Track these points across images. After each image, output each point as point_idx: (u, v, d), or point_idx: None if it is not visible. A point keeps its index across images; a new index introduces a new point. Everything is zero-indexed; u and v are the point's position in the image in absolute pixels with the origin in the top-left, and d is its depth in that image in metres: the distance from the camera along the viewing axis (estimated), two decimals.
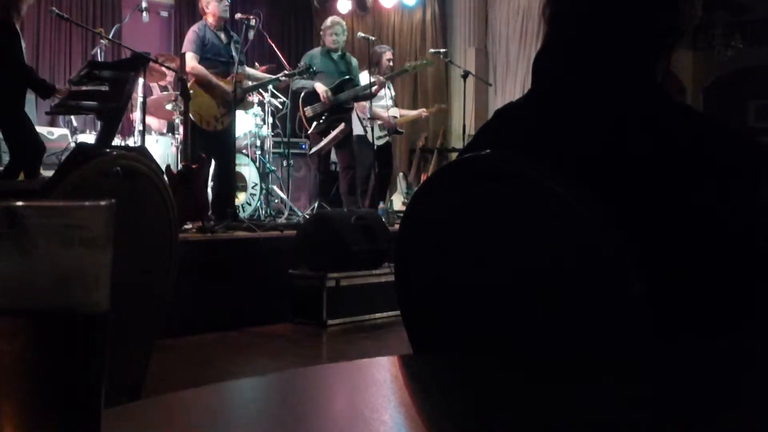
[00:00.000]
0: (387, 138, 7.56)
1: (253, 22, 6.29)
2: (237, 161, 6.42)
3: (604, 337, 0.97)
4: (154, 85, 7.30)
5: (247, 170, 6.81)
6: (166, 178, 1.80)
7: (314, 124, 6.84)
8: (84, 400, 0.44)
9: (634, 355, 0.85)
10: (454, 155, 8.80)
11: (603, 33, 1.13)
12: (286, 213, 7.10)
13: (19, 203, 0.42)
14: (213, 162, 6.13)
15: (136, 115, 6.53)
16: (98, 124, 6.18)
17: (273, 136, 7.35)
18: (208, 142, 6.03)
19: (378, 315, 5.18)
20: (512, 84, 9.47)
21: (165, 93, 7.06)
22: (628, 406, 0.65)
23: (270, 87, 6.96)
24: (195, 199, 5.46)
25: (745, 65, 10.37)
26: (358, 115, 7.22)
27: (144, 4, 7.08)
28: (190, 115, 5.82)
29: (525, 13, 9.38)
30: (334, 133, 6.80)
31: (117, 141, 6.32)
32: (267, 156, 7.14)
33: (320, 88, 6.77)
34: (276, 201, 7.25)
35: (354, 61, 7.16)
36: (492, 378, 0.75)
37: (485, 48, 9.93)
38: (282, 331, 4.96)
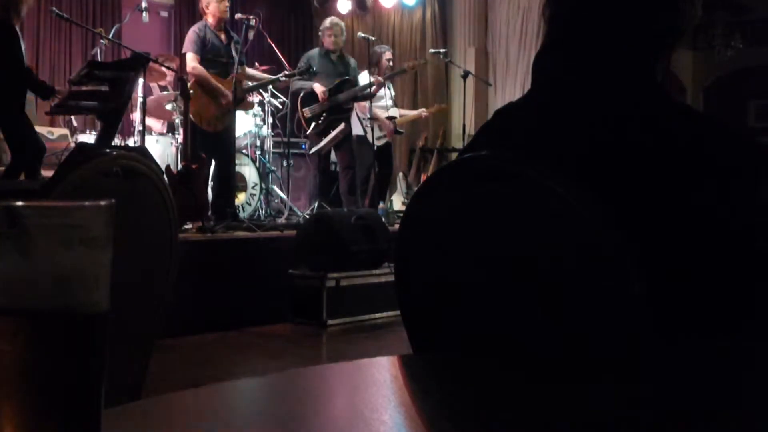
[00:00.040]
0: (387, 138, 7.56)
1: (253, 22, 6.29)
2: (237, 161, 6.42)
3: (604, 337, 0.97)
4: (154, 85, 7.30)
5: (247, 170, 6.81)
6: (166, 178, 1.80)
7: (313, 124, 6.84)
8: (84, 400, 0.44)
9: (634, 355, 0.85)
10: (454, 155, 8.80)
11: (603, 33, 1.13)
12: (286, 213, 7.10)
13: (19, 203, 0.42)
14: (213, 162, 6.14)
15: (136, 116, 6.54)
16: (98, 124, 6.18)
17: (273, 136, 7.35)
18: (208, 142, 6.03)
19: (378, 315, 5.18)
20: (512, 84, 9.47)
21: (165, 93, 7.06)
22: (628, 406, 0.65)
23: (270, 87, 6.96)
24: (195, 199, 5.46)
25: (745, 65, 10.37)
26: (358, 115, 7.23)
27: (144, 4, 7.08)
28: (190, 116, 5.83)
29: (525, 13, 9.38)
30: (334, 133, 6.80)
31: (117, 141, 6.32)
32: (267, 156, 7.14)
33: (319, 88, 6.77)
34: (276, 201, 7.25)
35: (352, 62, 7.16)
36: (492, 378, 0.75)
37: (485, 48, 9.93)
38: (282, 331, 4.96)
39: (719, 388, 0.70)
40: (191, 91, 5.84)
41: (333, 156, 7.27)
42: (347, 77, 6.95)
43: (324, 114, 6.83)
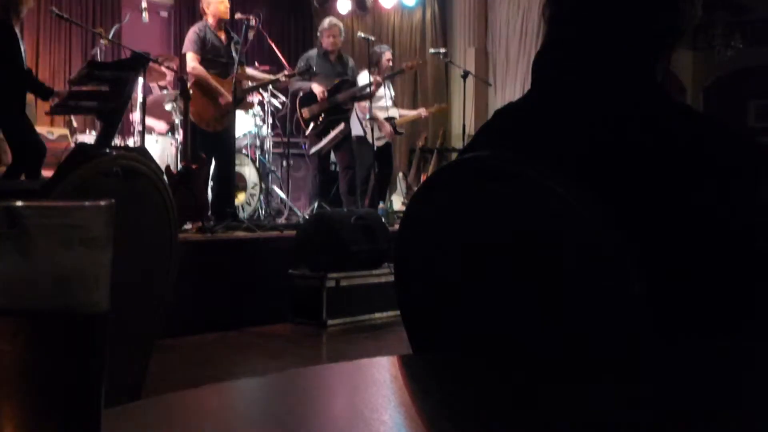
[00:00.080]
0: (387, 138, 7.56)
1: (253, 22, 6.29)
2: (237, 161, 6.42)
3: (604, 337, 0.97)
4: (154, 85, 7.30)
5: (247, 170, 6.81)
6: (166, 178, 1.80)
7: (311, 125, 6.84)
8: (84, 400, 0.44)
9: (634, 355, 0.85)
10: (454, 155, 8.80)
11: (603, 33, 1.13)
12: (286, 213, 7.10)
13: (19, 203, 0.42)
14: (213, 162, 6.14)
15: (136, 116, 6.54)
16: (98, 124, 6.18)
17: (273, 136, 7.35)
18: (208, 142, 6.03)
19: (378, 315, 5.18)
20: (512, 84, 9.47)
21: (164, 92, 7.06)
22: (628, 406, 0.65)
23: (270, 87, 6.96)
24: (195, 199, 5.46)
25: (745, 65, 10.37)
26: (358, 115, 7.23)
27: (144, 4, 7.08)
28: (190, 116, 5.83)
29: (525, 13, 9.38)
30: (333, 134, 6.80)
31: (117, 141, 6.32)
32: (267, 156, 7.14)
33: (317, 89, 6.77)
34: (276, 201, 7.26)
35: (351, 62, 7.16)
36: (492, 378, 0.75)
37: (485, 48, 9.93)
38: (282, 331, 4.96)
39: (719, 388, 0.70)
40: (191, 92, 5.84)
41: (333, 156, 7.27)
42: (346, 78, 6.95)
43: (322, 114, 6.83)
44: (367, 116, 6.99)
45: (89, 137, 6.89)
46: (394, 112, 7.62)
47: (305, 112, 6.85)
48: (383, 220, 5.97)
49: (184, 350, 4.26)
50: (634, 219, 1.00)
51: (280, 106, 7.33)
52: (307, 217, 6.33)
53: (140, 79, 5.83)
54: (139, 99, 6.00)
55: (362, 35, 7.31)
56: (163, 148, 6.65)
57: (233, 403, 0.68)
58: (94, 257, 0.43)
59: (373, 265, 5.25)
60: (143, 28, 7.52)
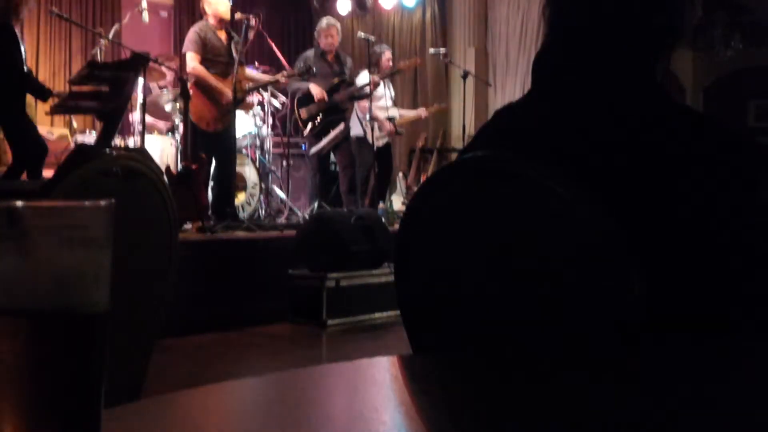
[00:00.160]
0: (386, 138, 7.56)
1: (253, 22, 6.29)
2: (237, 161, 6.43)
3: (604, 337, 0.97)
4: (153, 85, 7.30)
5: (247, 170, 6.81)
6: (165, 178, 1.80)
7: (309, 125, 6.84)
8: (84, 400, 0.44)
9: (634, 355, 0.85)
10: (454, 155, 8.80)
11: (603, 33, 1.13)
12: (286, 213, 7.11)
13: (19, 203, 0.42)
14: (213, 162, 6.14)
15: (136, 116, 6.54)
16: (98, 124, 6.19)
17: (273, 136, 7.36)
18: (208, 142, 6.03)
19: (378, 315, 5.18)
20: (512, 84, 9.47)
21: (164, 92, 7.06)
22: (628, 406, 0.65)
23: (269, 87, 6.96)
24: (195, 199, 5.46)
25: (745, 65, 10.37)
26: (358, 115, 7.23)
27: (144, 4, 7.08)
28: (190, 116, 5.83)
29: (525, 13, 9.38)
30: (333, 134, 6.80)
31: (117, 141, 6.32)
32: (267, 156, 7.14)
33: (315, 89, 6.77)
34: (276, 201, 7.26)
35: (349, 62, 7.16)
36: (492, 378, 0.75)
37: (485, 48, 9.93)
38: (282, 331, 4.96)
39: (719, 388, 0.70)
40: (191, 92, 5.84)
41: (333, 156, 7.28)
42: (343, 78, 6.95)
43: (320, 115, 6.83)
44: (367, 116, 6.99)
45: (89, 137, 6.89)
46: (394, 112, 7.62)
47: (303, 113, 6.85)
48: (383, 220, 5.97)
49: (184, 350, 4.26)
50: (633, 219, 1.00)
51: (280, 107, 7.34)
52: (307, 217, 6.33)
53: (140, 79, 5.83)
54: (139, 99, 6.00)
55: (362, 35, 7.31)
56: (163, 148, 6.65)
57: (233, 403, 0.68)
58: (94, 257, 0.43)
59: (373, 265, 5.25)
60: (143, 28, 7.52)
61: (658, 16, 1.12)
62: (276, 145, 7.52)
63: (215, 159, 6.12)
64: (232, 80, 6.04)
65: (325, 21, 7.14)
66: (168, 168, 5.88)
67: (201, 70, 6.07)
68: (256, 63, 7.55)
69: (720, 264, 1.00)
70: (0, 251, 0.41)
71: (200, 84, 6.07)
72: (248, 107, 6.87)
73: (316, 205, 6.90)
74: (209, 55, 6.15)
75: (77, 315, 0.43)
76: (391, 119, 7.50)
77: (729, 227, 1.01)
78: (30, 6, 5.41)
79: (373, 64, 7.12)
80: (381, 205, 7.20)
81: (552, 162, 1.03)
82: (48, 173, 5.28)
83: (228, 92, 6.02)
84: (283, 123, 7.40)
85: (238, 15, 6.39)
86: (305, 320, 5.06)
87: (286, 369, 0.77)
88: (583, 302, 0.99)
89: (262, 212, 6.80)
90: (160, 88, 7.36)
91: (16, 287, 0.42)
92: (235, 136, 6.27)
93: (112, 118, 5.44)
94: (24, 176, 5.23)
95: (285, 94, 7.21)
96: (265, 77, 6.87)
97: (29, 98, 5.48)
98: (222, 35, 6.25)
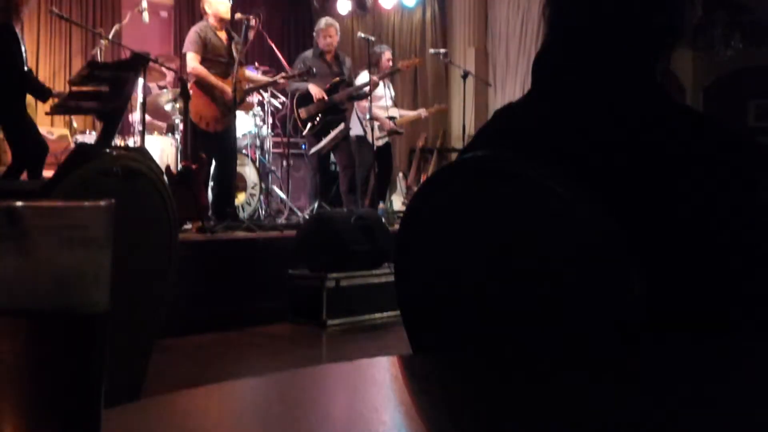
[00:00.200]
0: (387, 138, 7.56)
1: (253, 23, 6.29)
2: (237, 161, 6.42)
3: (604, 337, 0.97)
4: (153, 85, 7.30)
5: (247, 170, 6.81)
6: (165, 178, 1.80)
7: (309, 125, 6.84)
8: (84, 400, 0.44)
9: (634, 355, 0.85)
10: (454, 155, 8.80)
11: (603, 33, 1.13)
12: (286, 213, 7.11)
13: (19, 203, 0.42)
14: (213, 162, 6.14)
15: (136, 116, 6.54)
16: (98, 124, 6.19)
17: (273, 136, 7.36)
18: (208, 142, 6.03)
19: (378, 315, 5.18)
20: (512, 84, 9.46)
21: (164, 92, 7.06)
22: (628, 406, 0.65)
23: (269, 87, 6.96)
24: (195, 199, 5.46)
25: (745, 65, 10.37)
26: (358, 115, 7.23)
27: (144, 5, 7.08)
28: (190, 116, 5.83)
29: (525, 13, 9.38)
30: (333, 134, 6.80)
31: (117, 141, 6.32)
32: (267, 156, 7.14)
33: (314, 89, 6.77)
34: (276, 201, 7.26)
35: (348, 62, 7.16)
36: (492, 378, 0.75)
37: (485, 48, 9.93)
38: (282, 331, 4.96)
39: (719, 388, 0.70)
40: (191, 92, 5.84)
41: (333, 156, 7.28)
42: (342, 77, 6.95)
43: (319, 115, 6.83)
44: (367, 116, 6.99)
45: (89, 137, 6.90)
46: (394, 112, 7.62)
47: (302, 113, 6.85)
48: (383, 220, 5.97)
49: (184, 350, 4.26)
50: (633, 219, 1.00)
51: (280, 106, 7.34)
52: (307, 217, 6.33)
53: (140, 79, 5.83)
54: (139, 99, 6.00)
55: (362, 35, 7.31)
56: (163, 148, 6.65)
57: (233, 403, 0.68)
58: (94, 257, 0.43)
59: (373, 265, 5.25)
60: (143, 28, 7.52)
61: (658, 16, 1.12)
62: (276, 145, 7.53)
63: (215, 159, 6.11)
64: (232, 80, 6.04)
65: (323, 21, 7.13)
66: (168, 168, 5.88)
67: (201, 70, 6.07)
68: (256, 63, 7.55)
69: (720, 264, 1.00)
70: (0, 251, 0.41)
71: (201, 84, 6.07)
72: (248, 107, 6.88)
73: (316, 205, 6.90)
74: (210, 55, 6.15)
75: (77, 315, 0.43)
76: (391, 119, 7.51)
77: (729, 227, 1.01)
78: (30, 5, 5.41)
79: (373, 64, 7.12)
80: (381, 205, 7.20)
81: (552, 162, 1.03)
82: (48, 173, 5.29)
83: (229, 89, 6.02)
84: (283, 123, 7.40)
85: (238, 15, 6.39)
86: (305, 320, 5.06)
87: (286, 369, 0.77)
88: (583, 302, 0.99)
89: (262, 212, 6.80)
90: (160, 88, 7.36)
91: (16, 287, 0.42)
92: (235, 136, 6.27)
93: (112, 118, 5.44)
94: (24, 176, 5.23)
95: (285, 95, 7.21)
96: (264, 78, 6.87)
97: (29, 98, 5.48)
98: (222, 35, 6.25)
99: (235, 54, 6.18)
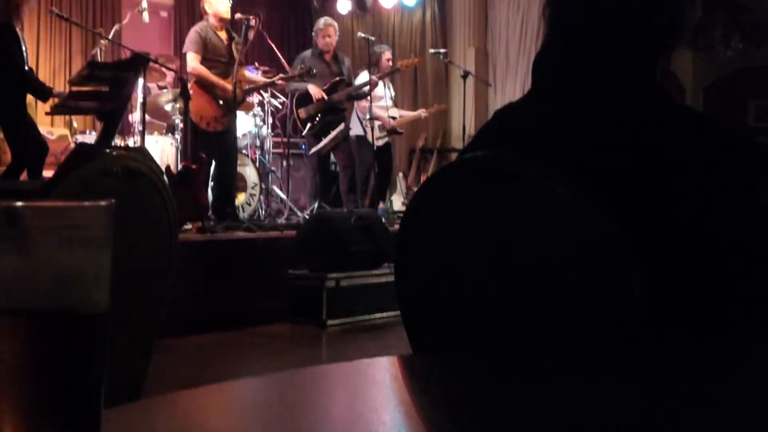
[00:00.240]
0: (387, 138, 7.56)
1: (252, 23, 6.29)
2: (237, 161, 6.42)
3: (604, 337, 0.97)
4: (153, 85, 7.30)
5: (247, 170, 6.81)
6: (166, 178, 1.80)
7: (308, 125, 6.84)
8: (84, 400, 0.44)
9: (634, 355, 0.85)
10: (454, 155, 8.79)
11: (603, 33, 1.13)
12: (286, 213, 7.11)
13: (19, 203, 0.42)
14: (213, 162, 6.14)
15: (136, 116, 6.54)
16: (98, 124, 6.19)
17: (273, 136, 7.36)
18: (208, 142, 6.03)
19: (378, 315, 5.18)
20: (512, 84, 9.46)
21: (164, 92, 7.06)
22: (628, 406, 0.65)
23: (269, 87, 6.97)
24: (195, 199, 5.46)
25: (745, 65, 10.36)
26: (358, 115, 7.23)
27: (144, 5, 7.08)
28: (191, 116, 5.83)
29: (525, 13, 9.37)
30: (334, 134, 6.80)
31: (117, 141, 6.32)
32: (267, 156, 7.14)
33: (313, 89, 6.77)
34: (276, 201, 7.26)
35: (347, 61, 7.16)
36: (492, 378, 0.75)
37: (485, 48, 9.93)
38: (282, 331, 4.96)
39: (719, 388, 0.70)
40: (191, 92, 5.84)
41: (332, 156, 7.28)
42: (342, 77, 6.94)
43: (319, 115, 6.83)
44: (367, 116, 6.99)
45: (89, 137, 6.90)
46: (395, 113, 7.62)
47: (302, 113, 6.85)
48: (383, 220, 5.97)
49: (184, 350, 4.26)
50: (633, 219, 1.00)
51: (280, 106, 7.34)
52: (307, 217, 6.33)
53: (140, 79, 5.83)
54: (139, 99, 6.00)
55: (362, 35, 7.31)
56: (163, 148, 6.65)
57: (233, 403, 0.68)
58: (94, 257, 0.43)
59: (373, 265, 5.25)
60: (143, 28, 7.53)
61: (658, 16, 1.12)
62: (276, 145, 7.52)
63: (215, 159, 6.11)
64: (232, 81, 6.04)
65: (322, 21, 7.13)
66: (168, 168, 5.88)
67: (202, 70, 6.07)
68: (256, 63, 7.55)
69: (720, 264, 1.00)
70: (0, 251, 0.41)
71: (201, 83, 6.07)
72: (248, 107, 6.88)
73: (316, 205, 6.90)
74: (210, 55, 6.15)
75: (77, 315, 0.43)
76: (392, 119, 7.51)
77: (729, 227, 1.01)
78: (31, 5, 5.41)
79: (373, 64, 7.12)
80: (381, 205, 7.20)
81: (552, 162, 1.03)
82: (48, 173, 5.28)
83: (230, 87, 6.02)
84: (283, 123, 7.40)
85: (238, 15, 6.40)
86: (305, 320, 5.06)
87: (286, 369, 0.77)
88: (583, 302, 0.99)
89: (262, 212, 6.80)
90: (160, 88, 7.36)
91: (16, 287, 0.42)
92: (235, 136, 6.27)
93: (112, 118, 5.44)
94: (24, 176, 5.23)
95: (285, 95, 7.22)
96: (263, 79, 6.87)
97: (29, 98, 5.48)
98: (223, 35, 6.25)
99: (235, 54, 6.18)
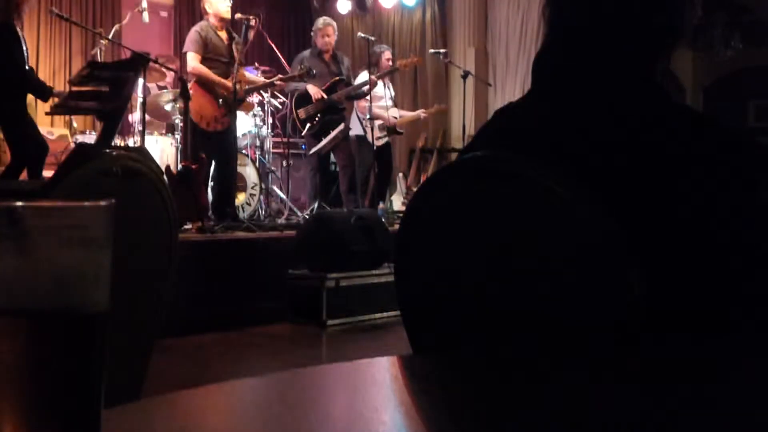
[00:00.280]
0: (387, 138, 7.56)
1: (252, 23, 6.29)
2: (237, 161, 6.43)
3: (604, 337, 0.97)
4: (152, 85, 7.30)
5: (247, 170, 6.81)
6: (165, 178, 1.80)
7: (307, 125, 6.84)
8: (84, 400, 0.44)
9: (633, 355, 0.85)
10: (454, 155, 8.79)
11: (603, 33, 1.13)
12: (286, 213, 7.11)
13: (19, 203, 0.41)
14: (213, 162, 6.14)
15: (136, 116, 6.54)
16: (98, 124, 6.19)
17: (273, 136, 7.35)
18: (208, 142, 6.03)
19: (378, 315, 5.18)
20: (512, 84, 9.46)
21: (164, 92, 7.06)
22: (628, 406, 0.65)
23: (268, 87, 6.97)
24: (195, 199, 5.46)
25: (745, 65, 10.36)
26: (358, 115, 7.23)
27: (144, 4, 7.08)
28: (191, 116, 5.83)
29: (525, 13, 9.38)
30: (333, 134, 6.80)
31: (117, 141, 6.32)
32: (267, 156, 7.14)
33: (312, 89, 6.77)
34: (276, 201, 7.26)
35: (346, 61, 7.16)
36: (492, 378, 0.75)
37: (485, 48, 9.93)
38: (282, 331, 4.96)
39: (719, 388, 0.70)
40: (191, 91, 5.84)
41: (332, 156, 7.28)
42: (341, 77, 6.94)
43: (318, 115, 6.83)
44: (367, 116, 6.99)
45: (89, 137, 6.90)
46: (394, 113, 7.62)
47: (301, 113, 6.85)
48: (383, 220, 5.97)
49: (184, 350, 4.26)
50: (633, 219, 1.00)
51: (280, 106, 7.34)
52: (307, 217, 6.33)
53: (140, 79, 5.83)
54: (139, 99, 6.00)
55: (362, 35, 7.31)
56: (163, 148, 6.65)
57: (233, 403, 0.68)
58: (94, 257, 0.43)
59: (373, 265, 5.25)
60: (143, 28, 7.52)
61: (658, 16, 1.12)
62: (276, 145, 7.52)
63: (215, 159, 6.11)
64: (232, 81, 6.04)
65: (321, 20, 7.13)
66: (168, 168, 5.88)
67: (203, 69, 6.07)
68: (256, 64, 7.56)
69: (720, 264, 1.00)
70: (0, 251, 0.41)
71: (202, 83, 6.06)
72: (248, 107, 6.88)
73: (316, 205, 6.90)
74: (210, 54, 6.15)
75: (77, 315, 0.43)
76: (392, 118, 7.51)
77: (729, 227, 1.01)
78: (31, 4, 5.41)
79: (372, 64, 7.12)
80: (381, 205, 7.20)
81: (552, 162, 1.03)
82: (48, 173, 5.29)
83: (230, 85, 6.02)
84: (283, 123, 7.40)
85: (237, 15, 6.40)
86: (305, 320, 5.06)
87: (286, 369, 0.77)
88: (583, 302, 0.99)
89: (262, 212, 6.80)
90: (160, 88, 7.36)
91: (16, 287, 0.42)
92: (235, 136, 6.27)
93: (112, 118, 5.44)
94: (24, 176, 5.22)
95: (285, 95, 7.22)
96: (262, 80, 6.87)
97: (29, 98, 5.48)
98: (223, 35, 6.25)
99: (235, 54, 6.18)
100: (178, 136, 6.52)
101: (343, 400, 0.71)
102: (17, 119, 5.25)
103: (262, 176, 6.88)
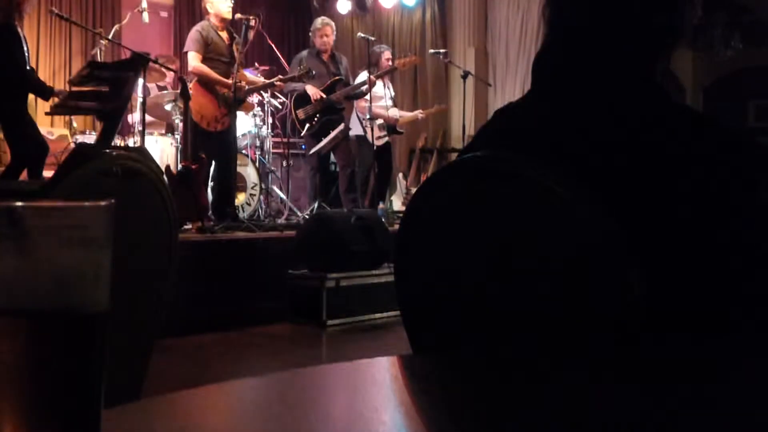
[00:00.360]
0: (387, 138, 7.56)
1: (252, 23, 6.29)
2: (237, 161, 6.42)
3: (604, 337, 0.97)
4: (152, 85, 7.30)
5: (247, 170, 6.81)
6: (165, 178, 1.80)
7: (307, 126, 6.84)
8: (84, 400, 0.44)
9: (634, 355, 0.85)
10: (454, 155, 8.78)
11: (603, 33, 1.13)
12: (286, 213, 7.11)
13: (19, 203, 0.41)
14: (213, 162, 6.13)
15: (136, 116, 6.54)
16: (98, 124, 6.19)
17: (273, 136, 7.36)
18: (208, 142, 6.03)
19: (378, 315, 5.18)
20: (512, 84, 9.46)
21: (164, 92, 7.06)
22: (628, 406, 0.65)
23: (268, 88, 6.97)
24: (195, 199, 5.46)
25: (745, 65, 10.36)
26: (358, 115, 7.23)
27: (144, 5, 7.08)
28: (191, 115, 5.83)
29: (525, 13, 9.38)
30: (333, 134, 6.80)
31: (117, 141, 6.32)
32: (267, 156, 7.14)
33: (311, 89, 6.77)
34: (276, 201, 7.26)
35: (344, 61, 7.16)
36: (492, 378, 0.75)
37: (485, 48, 9.92)
38: (282, 332, 4.96)
39: (719, 388, 0.70)
40: (191, 91, 5.84)
41: (332, 156, 7.28)
42: (339, 77, 6.94)
43: (317, 115, 6.83)
44: (367, 116, 6.99)
45: (89, 137, 6.90)
46: (394, 112, 7.62)
47: (300, 113, 6.85)
48: (383, 220, 5.97)
49: (184, 350, 4.26)
50: (633, 219, 1.00)
51: (280, 107, 7.34)
52: (307, 217, 6.33)
53: (140, 79, 5.83)
54: (139, 99, 6.00)
55: (362, 35, 7.31)
56: (163, 148, 6.65)
57: (233, 403, 0.68)
58: (94, 257, 0.43)
59: (373, 265, 5.25)
60: (143, 28, 7.53)
61: (658, 16, 1.12)
62: (276, 145, 7.52)
63: (215, 159, 6.11)
64: (232, 81, 6.04)
65: (319, 20, 7.13)
66: (168, 168, 5.88)
67: (204, 68, 6.07)
68: (257, 64, 7.56)
69: (720, 264, 1.00)
70: (0, 251, 0.41)
71: (202, 82, 6.06)
72: (249, 108, 6.87)
73: (315, 205, 6.90)
74: (211, 54, 6.15)
75: (77, 315, 0.43)
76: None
77: (729, 227, 1.01)
78: (32, 4, 5.41)
79: (372, 64, 7.12)
80: (381, 205, 7.20)
81: (552, 162, 1.03)
82: (48, 173, 5.29)
83: (230, 83, 6.02)
84: (283, 123, 7.40)
85: (237, 15, 6.39)
86: (305, 320, 5.06)
87: (286, 369, 0.77)
88: (583, 302, 0.99)
89: (262, 212, 6.80)
90: (160, 88, 7.36)
91: (16, 287, 0.42)
92: (235, 136, 6.27)
93: (112, 118, 5.44)
94: (24, 176, 5.23)
95: (285, 95, 7.22)
96: (261, 80, 6.87)
97: (29, 98, 5.48)
98: (224, 35, 6.25)
99: (235, 54, 6.18)
100: (178, 136, 6.52)
101: (343, 400, 0.71)
102: (17, 119, 5.25)
103: (262, 176, 6.88)
